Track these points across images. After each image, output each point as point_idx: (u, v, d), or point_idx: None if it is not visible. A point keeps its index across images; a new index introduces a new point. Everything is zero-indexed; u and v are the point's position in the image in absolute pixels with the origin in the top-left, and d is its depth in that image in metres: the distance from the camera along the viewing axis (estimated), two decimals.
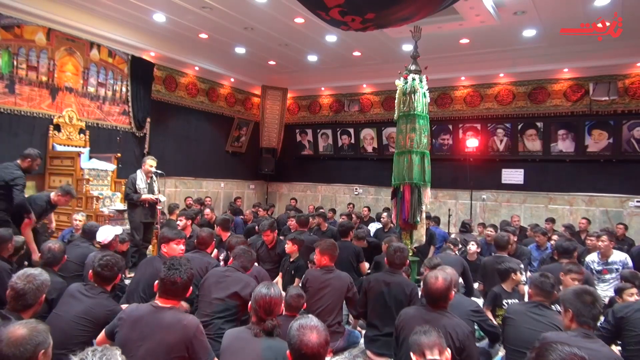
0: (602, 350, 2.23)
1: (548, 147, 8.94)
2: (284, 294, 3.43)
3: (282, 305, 2.56)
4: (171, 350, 2.22)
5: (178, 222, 5.67)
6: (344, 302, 3.94)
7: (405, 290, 3.58)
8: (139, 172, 5.72)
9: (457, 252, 5.46)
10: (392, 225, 7.03)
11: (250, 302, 2.48)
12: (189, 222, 5.61)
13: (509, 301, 3.89)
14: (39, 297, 2.43)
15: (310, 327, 1.87)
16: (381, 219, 7.52)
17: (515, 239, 6.02)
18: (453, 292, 2.81)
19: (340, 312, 3.84)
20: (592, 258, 5.13)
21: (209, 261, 4.08)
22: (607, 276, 4.95)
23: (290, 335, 1.89)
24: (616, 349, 3.03)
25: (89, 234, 4.40)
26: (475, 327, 3.31)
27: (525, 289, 4.34)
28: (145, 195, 5.59)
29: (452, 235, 7.41)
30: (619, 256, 4.99)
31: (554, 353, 1.70)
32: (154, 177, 5.86)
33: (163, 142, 9.22)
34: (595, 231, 6.77)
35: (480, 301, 4.30)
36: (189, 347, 2.26)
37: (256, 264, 4.42)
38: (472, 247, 5.65)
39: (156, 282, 2.44)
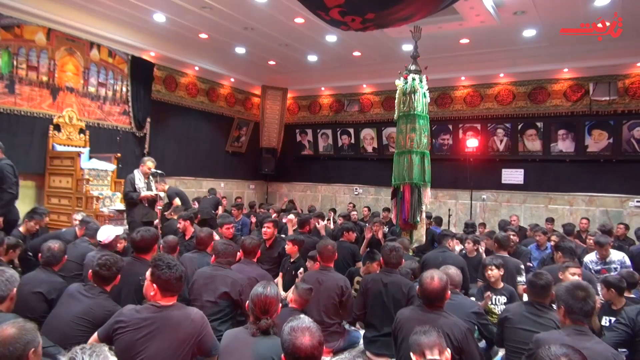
0: (596, 348, 2.21)
1: (548, 147, 8.94)
2: (283, 294, 3.45)
3: (280, 304, 2.55)
4: (181, 346, 2.26)
5: (178, 225, 5.64)
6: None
7: (403, 290, 3.56)
8: (136, 171, 5.70)
9: (454, 244, 5.44)
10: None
11: (247, 302, 2.48)
12: (188, 223, 5.58)
13: (493, 297, 3.95)
14: (10, 292, 2.41)
15: (302, 329, 1.83)
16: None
17: (517, 239, 6.00)
18: (449, 293, 2.79)
19: (338, 312, 3.82)
20: (590, 258, 5.12)
21: (208, 261, 4.06)
22: (607, 276, 4.94)
23: (283, 338, 1.85)
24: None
25: (92, 232, 4.40)
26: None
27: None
28: (145, 193, 5.59)
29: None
30: (617, 256, 4.98)
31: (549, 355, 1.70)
32: (151, 178, 5.87)
33: (163, 142, 9.22)
34: (596, 231, 6.78)
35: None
36: (198, 340, 2.32)
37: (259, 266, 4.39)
38: (469, 245, 5.66)
39: (153, 285, 2.43)
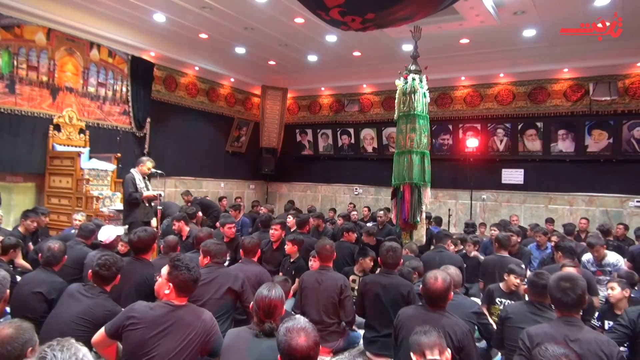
0: (587, 337, 2.22)
1: (548, 147, 8.94)
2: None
3: (285, 306, 2.55)
4: (191, 346, 2.30)
5: (173, 227, 5.63)
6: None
7: (401, 291, 3.56)
8: (134, 172, 5.68)
9: (452, 245, 5.46)
10: (387, 223, 7.15)
11: (251, 303, 2.49)
12: (182, 223, 5.57)
13: (503, 300, 3.93)
14: (3, 294, 2.40)
15: (297, 330, 1.83)
16: (377, 217, 7.56)
17: (519, 240, 6.00)
18: (452, 293, 2.79)
19: (338, 311, 3.82)
20: (586, 258, 5.12)
21: None
22: (602, 277, 4.93)
23: (279, 339, 1.85)
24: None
25: (84, 233, 4.39)
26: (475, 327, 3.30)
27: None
28: (147, 192, 5.58)
29: (454, 236, 7.40)
30: (611, 257, 4.98)
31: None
32: (146, 177, 5.88)
33: (163, 142, 9.22)
34: (595, 230, 6.79)
35: (479, 300, 4.30)
36: (207, 340, 2.36)
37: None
38: (469, 247, 5.67)
39: (169, 284, 2.43)
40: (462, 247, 5.97)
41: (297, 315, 1.97)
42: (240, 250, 4.17)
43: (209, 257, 3.58)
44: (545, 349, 1.74)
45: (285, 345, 1.81)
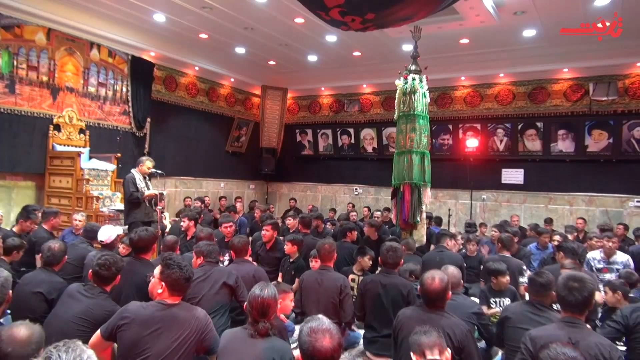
0: (589, 340, 2.22)
1: (548, 147, 8.94)
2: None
3: (279, 305, 2.55)
4: (185, 344, 2.30)
5: (181, 224, 5.64)
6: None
7: (402, 291, 3.56)
8: (134, 171, 5.67)
9: (452, 244, 5.46)
10: (384, 224, 7.17)
11: (245, 303, 2.49)
12: (192, 223, 5.58)
13: (497, 300, 3.95)
14: (6, 295, 2.40)
15: (322, 331, 1.81)
16: (374, 218, 7.55)
17: (517, 240, 6.02)
18: (450, 293, 2.79)
19: (339, 311, 3.82)
20: (594, 255, 5.11)
21: None
22: (607, 275, 4.93)
23: (302, 340, 1.83)
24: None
25: (90, 234, 4.39)
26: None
27: None
28: (148, 192, 5.57)
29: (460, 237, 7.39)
30: (621, 257, 4.98)
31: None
32: (147, 177, 5.87)
33: (163, 142, 9.22)
34: (594, 230, 6.78)
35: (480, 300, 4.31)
36: (202, 338, 2.37)
37: (255, 263, 4.44)
38: (472, 246, 5.68)
39: (162, 284, 2.43)
40: (461, 246, 5.97)
41: (320, 316, 1.94)
42: (231, 251, 4.20)
43: (202, 257, 3.64)
44: (555, 352, 1.73)
45: (309, 347, 1.78)
